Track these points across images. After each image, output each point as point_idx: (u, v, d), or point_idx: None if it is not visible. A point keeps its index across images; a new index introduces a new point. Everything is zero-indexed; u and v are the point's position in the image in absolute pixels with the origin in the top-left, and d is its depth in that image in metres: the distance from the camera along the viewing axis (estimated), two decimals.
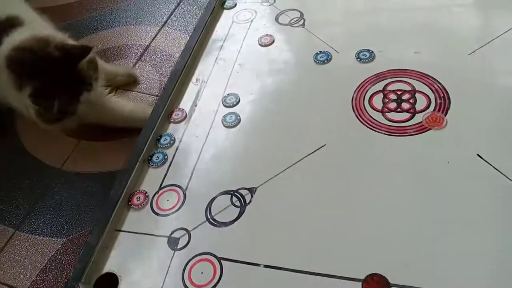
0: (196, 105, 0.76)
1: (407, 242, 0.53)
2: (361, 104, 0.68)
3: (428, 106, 0.65)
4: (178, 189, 0.64)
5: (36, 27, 0.90)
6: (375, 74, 0.72)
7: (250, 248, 0.56)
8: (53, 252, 0.82)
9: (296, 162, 0.63)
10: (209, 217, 0.60)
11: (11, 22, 0.88)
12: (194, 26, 0.90)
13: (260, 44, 0.84)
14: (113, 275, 0.58)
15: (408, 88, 0.68)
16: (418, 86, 0.68)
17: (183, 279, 0.55)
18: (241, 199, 0.61)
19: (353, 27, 0.82)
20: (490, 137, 0.61)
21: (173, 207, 0.63)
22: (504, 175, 0.56)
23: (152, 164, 0.68)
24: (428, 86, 0.68)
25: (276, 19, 0.88)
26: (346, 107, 0.68)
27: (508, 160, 0.57)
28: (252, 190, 0.62)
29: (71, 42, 0.90)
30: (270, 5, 0.92)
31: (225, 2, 0.95)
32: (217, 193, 0.62)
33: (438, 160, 0.59)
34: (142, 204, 0.64)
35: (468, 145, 0.60)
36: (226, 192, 0.62)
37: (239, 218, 0.59)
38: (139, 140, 0.70)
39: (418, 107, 0.66)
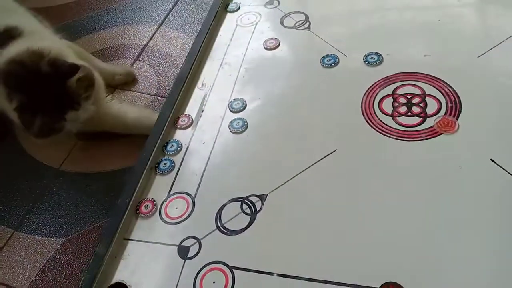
0: (202, 111, 0.75)
1: (421, 249, 0.53)
2: (370, 108, 0.67)
3: (439, 110, 0.65)
4: (187, 197, 0.63)
5: (35, 37, 0.90)
6: (383, 78, 0.71)
7: (263, 256, 0.55)
8: (52, 252, 0.82)
9: (307, 168, 0.62)
10: (219, 225, 0.59)
11: (10, 33, 0.88)
12: (198, 30, 0.89)
13: (265, 48, 0.83)
14: (123, 285, 0.57)
15: (418, 91, 0.68)
16: (428, 89, 0.67)
17: None
18: (252, 206, 0.60)
19: (359, 29, 0.82)
20: (503, 141, 0.60)
21: (182, 215, 0.62)
22: None
23: (159, 171, 0.67)
24: (438, 89, 0.67)
25: (281, 22, 0.87)
26: (356, 112, 0.67)
27: None
28: (262, 197, 0.61)
29: (69, 55, 0.89)
30: (274, 7, 0.91)
31: (228, 5, 0.94)
32: (226, 201, 0.61)
33: (450, 165, 0.59)
34: (150, 213, 0.63)
35: (480, 150, 0.59)
36: (236, 200, 0.61)
37: (250, 226, 0.58)
38: (145, 147, 0.70)
39: (429, 111, 0.65)
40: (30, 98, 0.79)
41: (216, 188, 0.64)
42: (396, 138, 0.63)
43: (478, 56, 0.71)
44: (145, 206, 0.63)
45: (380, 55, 0.74)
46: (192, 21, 1.28)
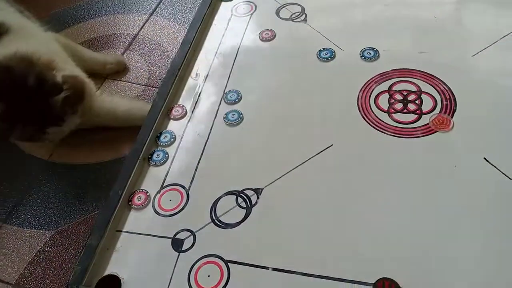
0: (196, 102, 0.74)
1: (415, 245, 0.53)
2: (367, 104, 0.67)
3: (434, 108, 0.65)
4: (181, 189, 0.63)
5: (23, 34, 0.87)
6: (379, 74, 0.71)
7: (258, 251, 0.55)
8: (41, 245, 0.81)
9: (303, 162, 0.62)
10: (214, 218, 0.59)
11: None
12: (191, 20, 0.88)
13: (261, 39, 0.82)
14: (115, 277, 0.56)
15: (414, 88, 0.68)
16: (424, 86, 0.68)
17: (189, 281, 0.54)
18: (247, 200, 0.60)
19: (356, 23, 0.81)
20: (496, 140, 0.61)
21: (176, 207, 0.61)
22: (511, 179, 0.57)
23: (152, 162, 0.66)
24: (433, 87, 0.67)
25: (277, 13, 0.86)
26: (352, 107, 0.67)
27: None
28: (258, 191, 0.60)
29: (59, 55, 0.88)
30: None
31: None
32: (221, 194, 0.61)
33: (445, 163, 0.59)
34: (143, 204, 0.62)
35: (474, 149, 0.60)
36: (231, 193, 0.61)
37: (245, 219, 0.58)
38: (138, 137, 0.68)
39: (424, 108, 0.65)
40: (11, 108, 0.78)
41: (211, 181, 0.63)
42: (391, 135, 0.63)
43: (473, 55, 0.71)
44: (138, 198, 0.62)
45: (377, 50, 0.74)
46: (184, 10, 1.26)
